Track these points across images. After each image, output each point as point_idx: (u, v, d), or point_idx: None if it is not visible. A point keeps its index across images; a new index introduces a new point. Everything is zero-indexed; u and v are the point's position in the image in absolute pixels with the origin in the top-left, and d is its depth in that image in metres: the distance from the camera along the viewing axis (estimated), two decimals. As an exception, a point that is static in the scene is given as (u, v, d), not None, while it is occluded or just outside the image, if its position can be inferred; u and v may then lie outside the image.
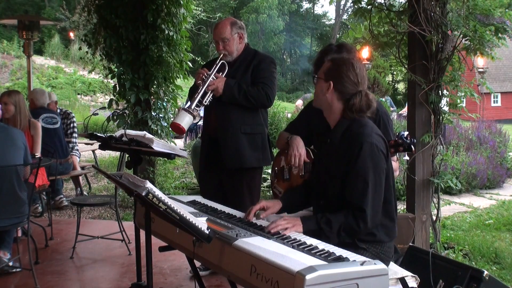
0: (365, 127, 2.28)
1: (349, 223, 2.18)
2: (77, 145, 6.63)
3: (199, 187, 5.22)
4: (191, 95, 3.55)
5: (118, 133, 2.98)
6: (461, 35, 3.95)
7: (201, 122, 4.42)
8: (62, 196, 6.34)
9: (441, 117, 4.09)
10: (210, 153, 3.57)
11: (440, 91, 4.07)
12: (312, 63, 3.09)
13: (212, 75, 3.38)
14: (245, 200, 3.50)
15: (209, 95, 3.37)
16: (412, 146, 2.62)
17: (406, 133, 2.63)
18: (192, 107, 3.29)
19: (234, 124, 3.47)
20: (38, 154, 4.65)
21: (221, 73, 3.44)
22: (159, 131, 6.28)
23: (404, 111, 13.77)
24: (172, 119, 3.62)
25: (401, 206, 5.11)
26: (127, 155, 3.32)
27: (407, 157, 4.23)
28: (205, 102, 3.36)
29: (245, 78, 3.47)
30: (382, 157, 2.24)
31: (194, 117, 3.31)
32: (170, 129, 3.44)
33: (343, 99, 2.32)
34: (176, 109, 6.57)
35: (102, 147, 3.11)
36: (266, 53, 3.87)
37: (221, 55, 3.47)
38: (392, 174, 2.35)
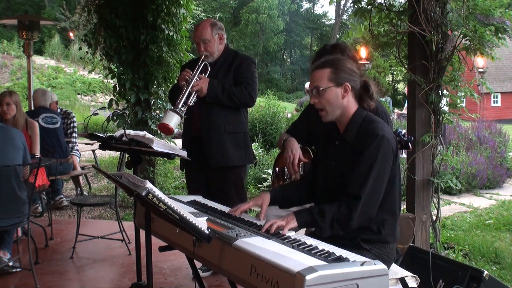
0: (377, 122, 2.28)
1: (342, 212, 2.15)
2: (77, 145, 6.62)
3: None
4: (172, 96, 3.59)
5: (118, 133, 2.97)
6: (461, 35, 3.95)
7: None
8: (62, 196, 6.33)
9: (441, 117, 4.09)
10: (193, 153, 3.52)
11: (440, 91, 4.07)
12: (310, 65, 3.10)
13: (196, 76, 3.42)
14: (233, 198, 3.51)
15: (194, 95, 3.41)
16: (410, 144, 2.63)
17: (404, 130, 2.64)
18: (179, 108, 3.32)
19: (218, 124, 3.51)
20: (37, 154, 4.64)
21: (203, 74, 3.48)
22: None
23: (404, 111, 13.77)
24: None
25: (401, 206, 5.10)
26: (127, 155, 3.32)
27: (404, 155, 4.24)
28: (190, 102, 3.39)
29: (227, 78, 3.52)
30: (391, 153, 2.22)
31: (182, 117, 3.34)
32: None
33: (356, 95, 2.29)
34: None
35: (102, 147, 3.11)
36: (246, 54, 3.93)
37: (203, 56, 3.51)
38: (399, 173, 2.34)
